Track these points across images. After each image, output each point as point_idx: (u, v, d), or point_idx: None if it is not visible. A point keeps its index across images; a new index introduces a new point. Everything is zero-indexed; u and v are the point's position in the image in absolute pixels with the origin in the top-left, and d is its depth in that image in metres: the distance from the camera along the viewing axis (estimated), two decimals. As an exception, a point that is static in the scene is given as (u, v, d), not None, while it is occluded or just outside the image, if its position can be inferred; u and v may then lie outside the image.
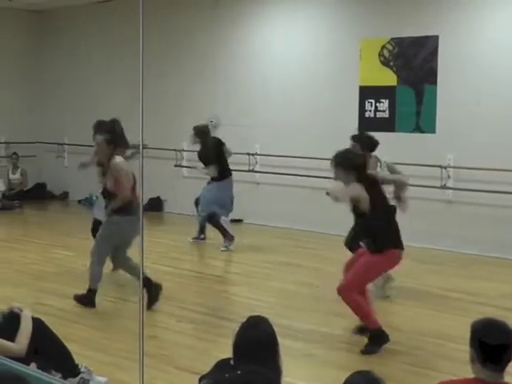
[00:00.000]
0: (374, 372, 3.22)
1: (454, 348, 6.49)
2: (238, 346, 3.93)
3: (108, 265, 8.45)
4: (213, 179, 11.03)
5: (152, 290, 7.65)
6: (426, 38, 11.33)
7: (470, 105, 10.90)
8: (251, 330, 3.98)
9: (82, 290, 8.48)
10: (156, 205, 14.33)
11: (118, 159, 7.85)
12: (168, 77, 14.54)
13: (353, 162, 6.68)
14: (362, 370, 3.27)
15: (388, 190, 6.96)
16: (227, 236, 10.88)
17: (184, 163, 14.28)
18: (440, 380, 3.76)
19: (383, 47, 11.82)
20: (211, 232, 11.42)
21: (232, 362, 3.92)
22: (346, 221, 12.07)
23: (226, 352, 4.07)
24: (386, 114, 11.84)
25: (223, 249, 10.84)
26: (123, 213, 7.62)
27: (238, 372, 3.42)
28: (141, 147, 4.41)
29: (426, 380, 5.75)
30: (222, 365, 4.04)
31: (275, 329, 4.07)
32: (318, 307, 8.02)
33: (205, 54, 14.05)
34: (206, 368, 4.26)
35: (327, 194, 7.12)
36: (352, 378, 3.22)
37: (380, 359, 6.37)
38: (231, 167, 11.34)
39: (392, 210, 6.99)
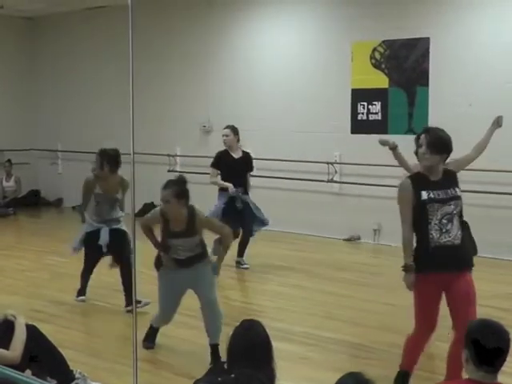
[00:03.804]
0: (364, 373, 3.22)
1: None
2: (231, 350, 3.94)
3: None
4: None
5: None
6: (417, 40, 11.36)
7: (462, 106, 10.92)
8: (245, 333, 3.99)
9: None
10: (150, 210, 14.27)
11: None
12: (160, 80, 14.54)
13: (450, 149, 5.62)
14: (352, 371, 3.27)
15: None
16: None
17: (178, 168, 14.26)
18: (435, 381, 3.76)
19: (374, 50, 11.84)
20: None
21: (226, 366, 3.92)
22: (339, 224, 12.13)
23: (221, 356, 4.07)
24: (379, 117, 11.86)
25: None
26: None
27: (232, 375, 3.42)
28: (132, 152, 4.41)
29: (421, 381, 5.75)
30: (216, 369, 4.05)
31: (270, 332, 4.07)
32: (313, 310, 8.02)
33: (197, 57, 14.04)
34: (201, 372, 4.26)
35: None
36: (343, 380, 3.22)
37: (375, 361, 6.37)
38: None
39: None
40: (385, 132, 11.77)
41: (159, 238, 6.63)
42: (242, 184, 9.90)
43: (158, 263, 6.59)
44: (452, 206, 5.49)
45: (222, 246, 6.92)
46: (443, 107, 11.10)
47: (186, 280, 6.48)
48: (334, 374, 3.31)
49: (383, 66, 11.80)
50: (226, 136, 10.02)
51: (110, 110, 14.93)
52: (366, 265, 10.55)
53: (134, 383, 4.50)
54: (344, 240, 12.13)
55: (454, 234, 5.43)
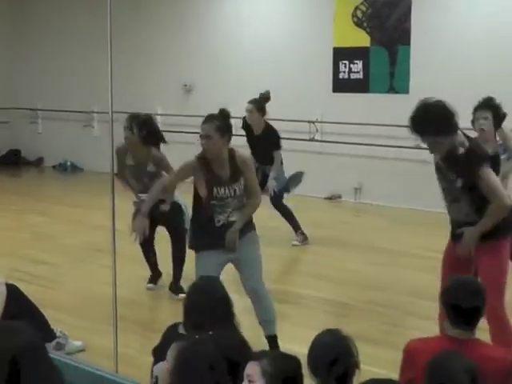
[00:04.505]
0: (342, 330, 3.24)
1: (428, 306, 6.52)
2: (186, 309, 3.82)
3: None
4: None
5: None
6: (400, -2, 11.31)
7: (443, 64, 10.90)
8: (197, 292, 3.90)
9: (58, 255, 8.49)
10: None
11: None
12: (139, 34, 14.24)
13: None
14: (330, 328, 3.29)
15: None
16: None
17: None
18: (411, 338, 3.79)
19: (356, 8, 11.76)
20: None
21: (182, 327, 3.83)
22: (320, 182, 12.14)
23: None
24: (360, 75, 11.81)
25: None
26: None
27: (210, 333, 3.40)
28: (110, 110, 4.38)
29: (398, 338, 5.79)
30: (170, 332, 3.94)
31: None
32: (296, 269, 8.05)
33: (175, 12, 13.88)
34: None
35: None
36: (320, 337, 3.24)
37: (353, 318, 6.43)
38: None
39: None
40: (366, 91, 11.76)
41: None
42: (263, 161, 9.14)
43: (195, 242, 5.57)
44: None
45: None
46: (425, 66, 11.06)
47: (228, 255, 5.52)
48: (313, 331, 3.33)
49: (365, 24, 11.72)
50: (250, 112, 9.20)
51: (91, 69, 14.75)
52: (348, 223, 10.59)
53: (115, 342, 4.52)
54: (325, 198, 12.16)
55: None
